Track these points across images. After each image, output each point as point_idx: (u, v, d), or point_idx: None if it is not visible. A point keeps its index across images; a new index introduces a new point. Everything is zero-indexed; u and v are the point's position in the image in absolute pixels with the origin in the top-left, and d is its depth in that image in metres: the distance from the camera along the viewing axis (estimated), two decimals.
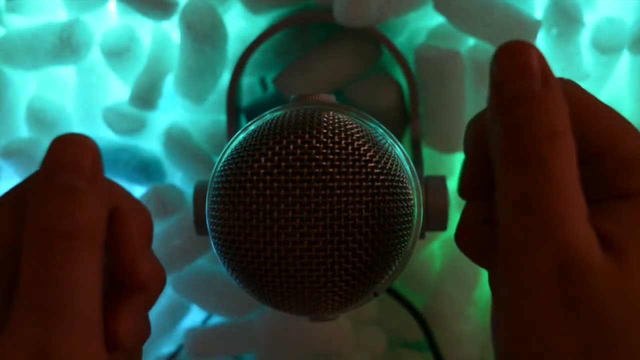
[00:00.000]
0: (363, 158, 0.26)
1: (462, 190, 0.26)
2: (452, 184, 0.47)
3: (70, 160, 0.22)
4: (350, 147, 0.26)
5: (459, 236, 0.25)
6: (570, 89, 0.23)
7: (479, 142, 0.24)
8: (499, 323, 0.22)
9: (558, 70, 0.44)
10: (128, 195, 0.26)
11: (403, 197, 0.27)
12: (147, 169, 0.46)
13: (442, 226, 0.34)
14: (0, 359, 0.21)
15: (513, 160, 0.21)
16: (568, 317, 0.20)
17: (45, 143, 0.46)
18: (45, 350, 0.21)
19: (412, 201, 0.28)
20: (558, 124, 0.21)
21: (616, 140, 0.22)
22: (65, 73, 0.47)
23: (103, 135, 0.47)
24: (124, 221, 0.24)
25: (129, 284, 0.24)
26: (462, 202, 0.49)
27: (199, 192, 0.34)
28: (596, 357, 0.20)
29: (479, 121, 0.25)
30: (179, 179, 0.48)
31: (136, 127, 0.46)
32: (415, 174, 0.28)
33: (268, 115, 0.28)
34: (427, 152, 0.44)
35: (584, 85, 0.45)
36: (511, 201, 0.21)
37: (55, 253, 0.21)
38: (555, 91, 0.21)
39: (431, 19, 0.44)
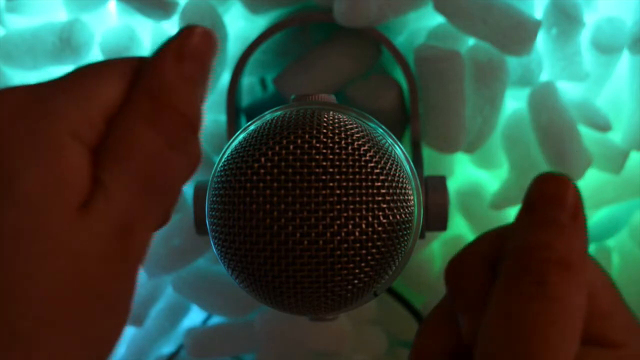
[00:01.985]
0: (363, 158, 0.26)
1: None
2: (452, 183, 0.47)
3: (195, 51, 0.22)
4: (350, 147, 0.26)
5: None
6: None
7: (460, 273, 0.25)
8: None
9: (558, 70, 0.44)
10: None
11: (403, 197, 0.27)
12: None
13: (442, 226, 0.34)
14: (89, 222, 0.20)
15: (519, 279, 0.22)
16: None
17: None
18: (132, 223, 0.21)
19: (412, 201, 0.28)
20: (576, 258, 0.22)
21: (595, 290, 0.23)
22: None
23: None
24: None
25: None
26: (462, 202, 0.48)
27: (199, 192, 0.34)
28: None
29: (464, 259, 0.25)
30: None
31: None
32: (415, 174, 0.28)
33: (268, 115, 0.28)
34: (427, 152, 0.44)
35: (584, 85, 0.45)
36: (501, 323, 0.21)
37: (180, 140, 0.22)
38: (581, 230, 0.22)
39: (431, 19, 0.44)
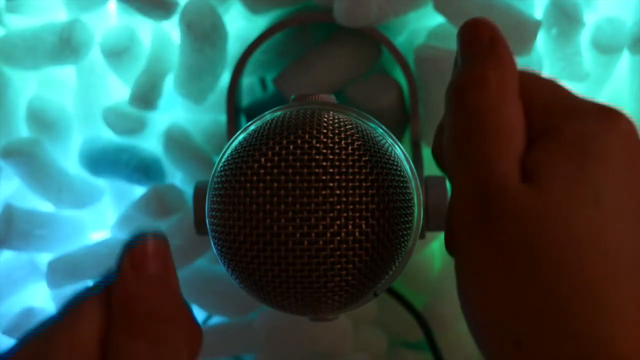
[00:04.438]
0: (363, 158, 0.26)
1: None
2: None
3: (148, 252, 0.23)
4: (350, 148, 0.26)
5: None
6: None
7: None
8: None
9: (558, 70, 0.44)
10: None
11: (403, 198, 0.27)
12: (147, 169, 0.46)
13: (442, 226, 0.34)
14: None
15: (448, 107, 0.25)
16: (486, 233, 0.23)
17: (45, 143, 0.46)
18: None
19: (412, 201, 0.28)
20: (487, 75, 0.24)
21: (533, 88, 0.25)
22: (65, 73, 0.47)
23: (103, 135, 0.47)
24: None
25: None
26: None
27: (199, 192, 0.34)
28: (511, 269, 0.22)
29: None
30: (179, 179, 0.48)
31: (136, 127, 0.46)
32: (415, 174, 0.28)
33: (268, 115, 0.28)
34: (427, 152, 0.44)
35: (584, 85, 0.45)
36: (447, 142, 0.25)
37: (163, 340, 0.23)
38: (499, 53, 0.25)
39: (431, 19, 0.44)
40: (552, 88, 0.25)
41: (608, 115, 0.24)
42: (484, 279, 0.23)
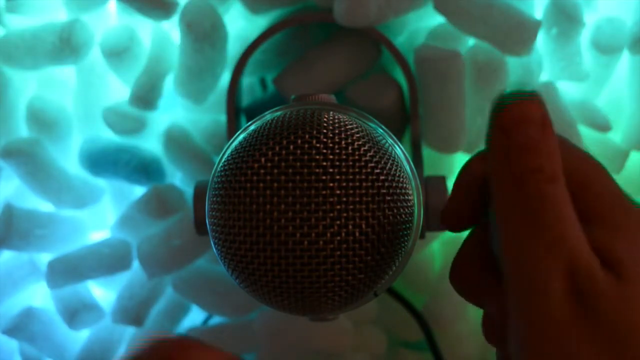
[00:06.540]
0: (363, 158, 0.26)
1: (446, 217, 0.27)
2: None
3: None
4: (350, 148, 0.26)
5: (453, 276, 0.26)
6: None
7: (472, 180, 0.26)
8: (517, 344, 0.23)
9: (558, 70, 0.44)
10: None
11: (403, 197, 0.27)
12: (147, 169, 0.46)
13: (442, 226, 0.34)
14: None
15: (500, 197, 0.23)
16: (585, 329, 0.22)
17: (45, 143, 0.46)
18: None
19: (412, 201, 0.28)
20: (556, 166, 0.23)
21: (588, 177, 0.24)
22: (65, 73, 0.47)
23: (103, 135, 0.47)
24: None
25: None
26: None
27: (199, 192, 0.34)
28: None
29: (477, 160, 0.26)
30: (179, 179, 0.48)
31: (136, 127, 0.46)
32: (415, 174, 0.28)
33: (268, 115, 0.28)
34: (427, 152, 0.44)
35: (584, 85, 0.45)
36: (508, 241, 0.23)
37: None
38: (551, 136, 0.23)
39: (431, 19, 0.44)
40: (596, 172, 0.25)
41: None
42: None
